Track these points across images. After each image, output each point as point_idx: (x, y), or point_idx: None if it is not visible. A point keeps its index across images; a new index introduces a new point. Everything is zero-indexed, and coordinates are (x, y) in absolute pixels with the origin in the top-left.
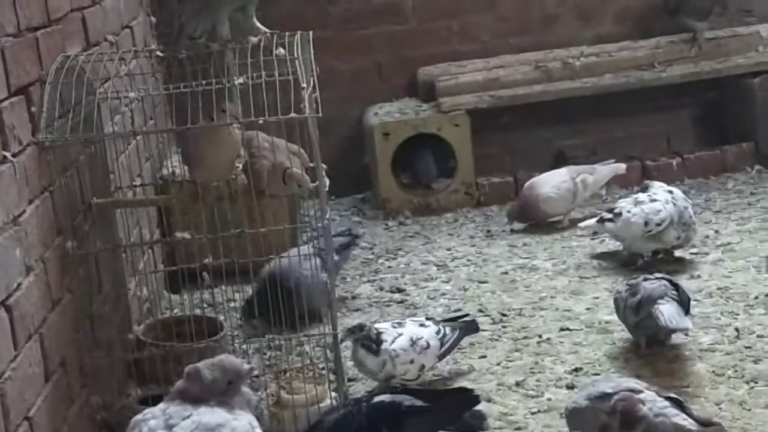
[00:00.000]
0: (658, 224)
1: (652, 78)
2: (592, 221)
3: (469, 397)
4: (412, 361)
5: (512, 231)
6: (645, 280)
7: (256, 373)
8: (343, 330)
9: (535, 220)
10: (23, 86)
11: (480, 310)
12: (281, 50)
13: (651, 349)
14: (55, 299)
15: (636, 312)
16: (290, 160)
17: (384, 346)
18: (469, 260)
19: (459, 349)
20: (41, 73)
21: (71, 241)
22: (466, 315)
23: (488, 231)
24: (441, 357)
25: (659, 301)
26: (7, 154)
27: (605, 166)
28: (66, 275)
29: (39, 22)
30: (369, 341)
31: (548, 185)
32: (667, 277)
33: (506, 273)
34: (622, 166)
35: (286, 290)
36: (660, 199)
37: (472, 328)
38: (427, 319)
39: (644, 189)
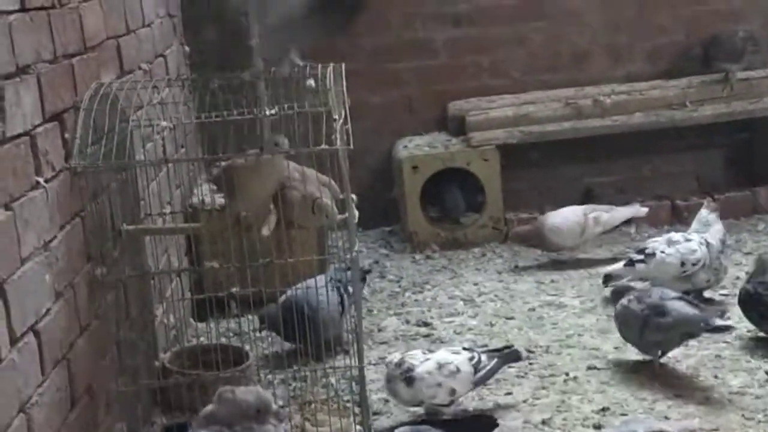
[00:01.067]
0: (694, 264)
1: (683, 117)
2: (619, 265)
3: (488, 423)
4: (439, 385)
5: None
6: (666, 298)
7: (281, 405)
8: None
9: (542, 249)
10: (58, 113)
11: (507, 346)
12: (311, 82)
13: (663, 368)
14: (83, 325)
15: (665, 331)
16: (320, 191)
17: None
18: (496, 296)
19: (484, 385)
20: (75, 100)
21: (100, 268)
22: (511, 346)
23: (516, 266)
24: (477, 383)
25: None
26: (40, 180)
27: (626, 207)
28: (94, 301)
29: (75, 49)
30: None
31: (559, 216)
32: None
33: (533, 309)
34: (642, 210)
35: (303, 317)
36: (694, 239)
37: (513, 357)
38: (464, 349)
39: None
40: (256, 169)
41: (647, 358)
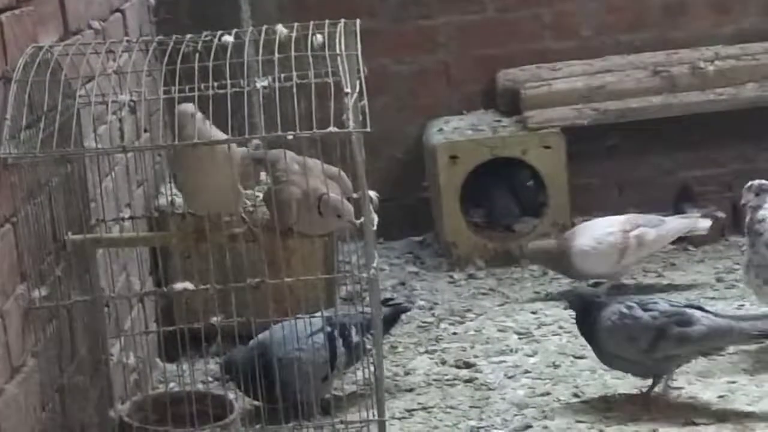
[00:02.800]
0: None
1: None
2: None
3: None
4: None
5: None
6: (691, 307)
7: None
8: None
9: (566, 275)
10: None
11: (575, 395)
12: (319, 37)
13: None
14: (15, 365)
15: (687, 344)
16: (327, 186)
17: None
18: (561, 327)
19: None
20: (5, 69)
21: (38, 290)
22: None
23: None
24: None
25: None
26: None
27: (681, 219)
28: (30, 334)
29: (4, 2)
30: None
31: (588, 236)
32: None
33: None
34: (703, 224)
35: (270, 370)
36: None
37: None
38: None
39: None
40: (199, 158)
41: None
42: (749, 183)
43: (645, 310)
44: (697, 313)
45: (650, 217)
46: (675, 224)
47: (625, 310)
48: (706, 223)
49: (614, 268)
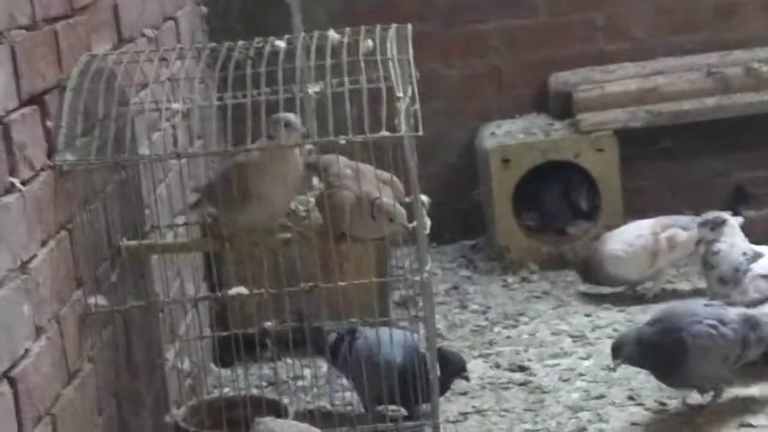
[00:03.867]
0: None
1: None
2: None
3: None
4: None
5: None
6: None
7: None
8: None
9: (602, 283)
10: (37, 93)
11: (630, 398)
12: (370, 42)
13: None
14: (72, 370)
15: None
16: (380, 191)
17: None
18: (615, 330)
19: None
20: (61, 77)
21: (94, 296)
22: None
23: (643, 291)
24: None
25: None
26: (16, 181)
27: None
28: (87, 340)
29: (59, 11)
30: None
31: (619, 240)
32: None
33: None
34: (737, 221)
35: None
36: None
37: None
38: None
39: None
40: (271, 162)
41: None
42: (703, 219)
43: (724, 324)
44: (744, 312)
45: (682, 218)
46: None
47: (712, 331)
48: (738, 221)
49: (647, 271)
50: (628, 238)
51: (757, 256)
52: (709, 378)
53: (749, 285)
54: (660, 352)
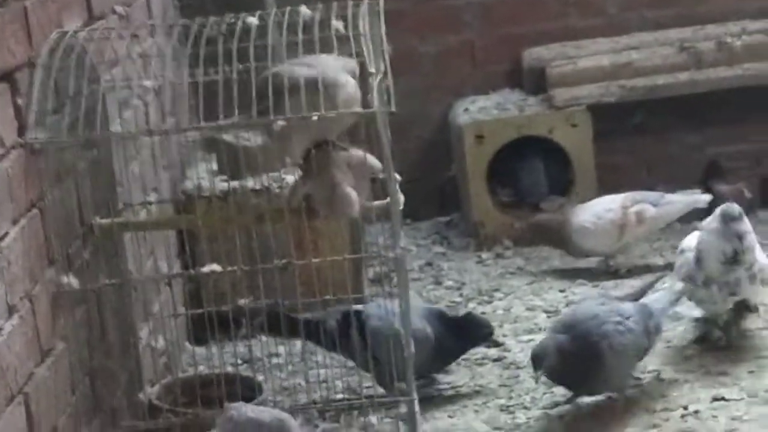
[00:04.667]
0: None
1: None
2: None
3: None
4: None
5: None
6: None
7: None
8: None
9: (570, 254)
10: (7, 71)
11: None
12: (340, 25)
13: None
14: (44, 349)
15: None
16: (344, 172)
17: None
18: None
19: (584, 419)
20: (30, 55)
21: (67, 275)
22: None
23: (614, 266)
24: None
25: None
26: None
27: (682, 196)
28: (59, 318)
29: None
30: None
31: (588, 212)
32: None
33: None
34: (702, 198)
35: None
36: None
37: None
38: None
39: None
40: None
41: None
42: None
43: (627, 318)
44: (637, 303)
45: (651, 194)
46: (676, 201)
47: (620, 328)
48: (706, 198)
49: (614, 245)
50: (597, 211)
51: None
52: (624, 376)
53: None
54: (578, 361)
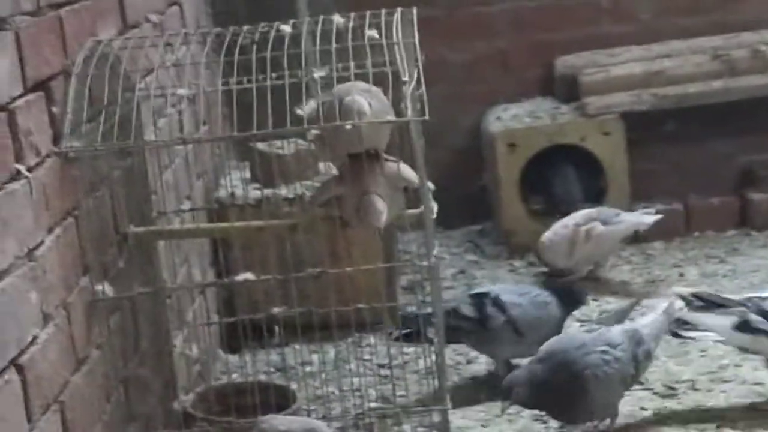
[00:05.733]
0: None
1: None
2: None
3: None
4: None
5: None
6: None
7: None
8: None
9: (542, 265)
10: (43, 80)
11: (639, 382)
12: (374, 32)
13: None
14: (80, 357)
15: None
16: (376, 182)
17: None
18: None
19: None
20: (66, 63)
21: (101, 283)
22: None
23: (649, 275)
24: None
25: None
26: (22, 168)
27: (629, 216)
28: (94, 327)
29: None
30: None
31: (553, 227)
32: None
33: (675, 334)
34: (648, 219)
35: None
36: None
37: None
38: None
39: None
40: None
41: None
42: None
43: (614, 347)
44: (627, 327)
45: (608, 212)
46: (624, 221)
47: (606, 357)
48: (650, 219)
49: (569, 260)
50: (557, 227)
51: None
52: (610, 405)
53: None
54: (558, 390)
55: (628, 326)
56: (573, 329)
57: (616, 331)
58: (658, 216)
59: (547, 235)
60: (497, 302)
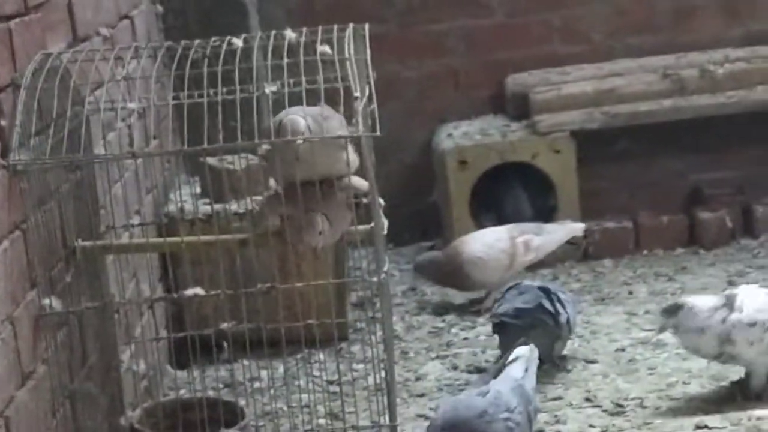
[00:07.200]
0: None
1: None
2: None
3: None
4: None
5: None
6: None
7: None
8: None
9: (456, 287)
10: None
11: (587, 399)
12: (327, 48)
13: None
14: (25, 372)
15: None
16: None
17: None
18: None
19: None
20: (14, 76)
21: (48, 297)
22: None
23: (599, 293)
24: None
25: None
26: None
27: (560, 225)
28: (41, 341)
29: (13, 9)
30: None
31: (478, 243)
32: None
33: (623, 350)
34: (578, 227)
35: None
36: None
37: None
38: None
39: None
40: None
41: None
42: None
43: (511, 411)
44: (512, 384)
45: (531, 226)
46: (556, 231)
47: (510, 425)
48: (581, 226)
49: (505, 274)
50: (487, 242)
51: None
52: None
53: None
54: None
55: (512, 382)
56: (467, 394)
57: (507, 392)
58: (584, 225)
59: (476, 250)
60: (559, 300)
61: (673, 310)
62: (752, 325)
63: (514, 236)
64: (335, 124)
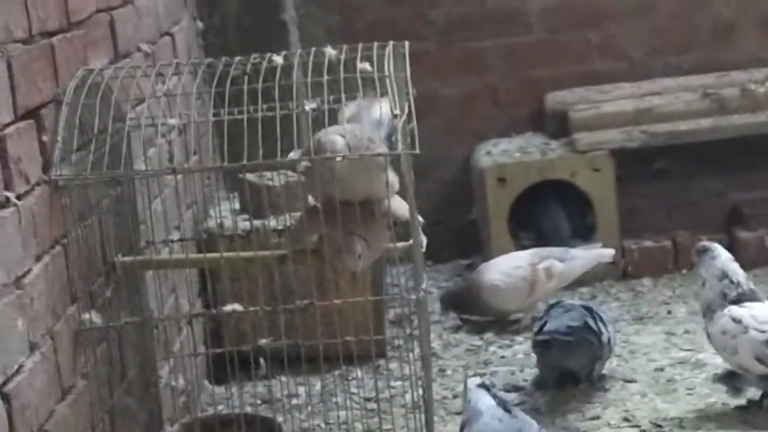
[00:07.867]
0: None
1: None
2: None
3: None
4: None
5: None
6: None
7: None
8: None
9: (479, 315)
10: (33, 108)
11: (625, 419)
12: (367, 65)
13: None
14: (65, 387)
15: None
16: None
17: None
18: (610, 350)
19: None
20: (57, 92)
21: (89, 312)
22: None
23: (637, 312)
24: None
25: None
26: (11, 196)
27: (586, 251)
28: (81, 356)
29: (56, 25)
30: None
31: (497, 271)
32: None
33: (662, 370)
34: (607, 252)
35: None
36: None
37: None
38: None
39: None
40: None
41: None
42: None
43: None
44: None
45: (557, 250)
46: (582, 256)
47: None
48: (610, 252)
49: (525, 302)
50: (506, 269)
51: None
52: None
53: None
54: None
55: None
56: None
57: (525, 417)
58: (614, 250)
59: (494, 278)
60: (601, 319)
61: None
62: None
63: (535, 263)
64: (375, 139)
